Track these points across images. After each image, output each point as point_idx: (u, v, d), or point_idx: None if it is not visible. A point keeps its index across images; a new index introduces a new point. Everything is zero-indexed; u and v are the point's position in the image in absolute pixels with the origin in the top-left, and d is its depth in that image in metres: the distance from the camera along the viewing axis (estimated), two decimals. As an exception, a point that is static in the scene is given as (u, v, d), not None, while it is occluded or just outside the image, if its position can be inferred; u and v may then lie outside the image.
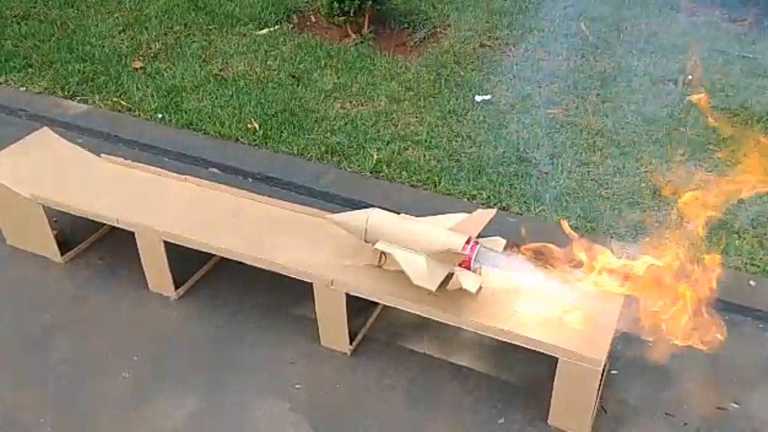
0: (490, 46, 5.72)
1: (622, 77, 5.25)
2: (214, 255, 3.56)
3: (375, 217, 3.07)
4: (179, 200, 3.60)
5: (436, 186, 4.30)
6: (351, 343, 3.31)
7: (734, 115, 4.84)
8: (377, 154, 4.52)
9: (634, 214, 4.02)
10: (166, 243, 3.40)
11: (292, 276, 3.19)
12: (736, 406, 3.07)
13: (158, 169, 3.85)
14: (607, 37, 5.77)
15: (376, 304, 3.35)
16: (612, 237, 3.89)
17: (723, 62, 5.41)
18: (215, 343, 3.39)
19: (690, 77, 5.22)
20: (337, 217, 3.23)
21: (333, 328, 3.27)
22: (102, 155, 4.00)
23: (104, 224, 3.71)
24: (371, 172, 4.43)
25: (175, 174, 3.79)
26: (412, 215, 3.17)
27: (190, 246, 3.36)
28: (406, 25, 6.00)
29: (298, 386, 3.18)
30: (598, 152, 4.51)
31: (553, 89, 5.16)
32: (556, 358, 2.81)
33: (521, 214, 4.08)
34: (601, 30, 5.84)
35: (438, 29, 5.97)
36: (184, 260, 3.55)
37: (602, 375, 2.86)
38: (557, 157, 4.48)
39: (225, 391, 3.17)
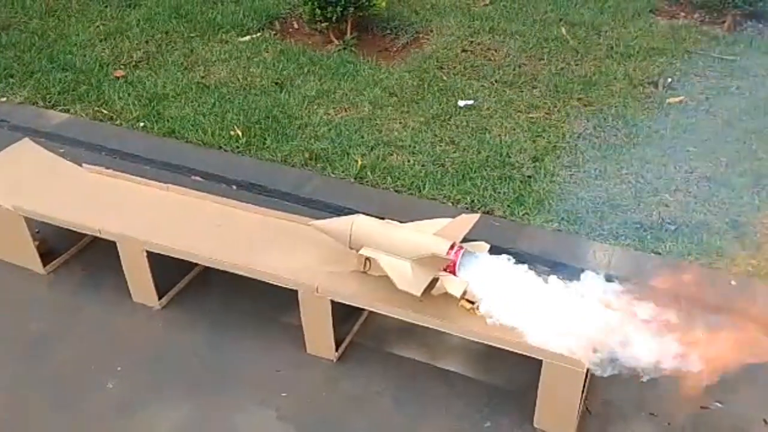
0: (472, 51, 5.75)
1: (602, 81, 5.30)
2: (197, 264, 3.54)
3: (359, 223, 3.08)
4: (162, 209, 3.58)
5: (420, 191, 4.32)
6: (337, 350, 3.31)
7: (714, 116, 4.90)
8: (361, 160, 4.53)
9: (616, 216, 4.05)
10: (149, 253, 3.38)
11: (277, 283, 3.18)
12: (719, 405, 3.10)
13: (140, 178, 3.84)
14: (588, 41, 5.82)
15: (362, 310, 3.35)
16: (594, 239, 3.92)
17: (702, 64, 5.47)
18: (200, 353, 3.37)
19: (670, 80, 5.28)
20: (321, 223, 3.23)
21: (319, 336, 3.26)
22: (84, 165, 3.97)
23: (87, 234, 3.68)
24: (355, 178, 4.43)
25: (157, 183, 3.78)
26: (396, 221, 3.18)
27: (173, 255, 3.35)
28: (388, 31, 6.02)
29: (284, 394, 3.17)
30: (579, 155, 4.55)
31: (534, 93, 5.20)
32: (541, 361, 2.83)
33: (505, 218, 4.10)
34: (582, 34, 5.89)
35: (420, 35, 5.99)
36: (168, 269, 3.53)
37: (586, 376, 2.87)
38: (540, 161, 4.51)
39: (211, 401, 3.15)
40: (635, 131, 4.75)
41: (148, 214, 3.54)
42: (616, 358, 2.71)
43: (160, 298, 3.57)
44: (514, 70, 5.46)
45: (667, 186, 4.28)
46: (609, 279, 2.97)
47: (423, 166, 4.51)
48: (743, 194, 4.20)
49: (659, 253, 3.80)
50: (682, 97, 5.09)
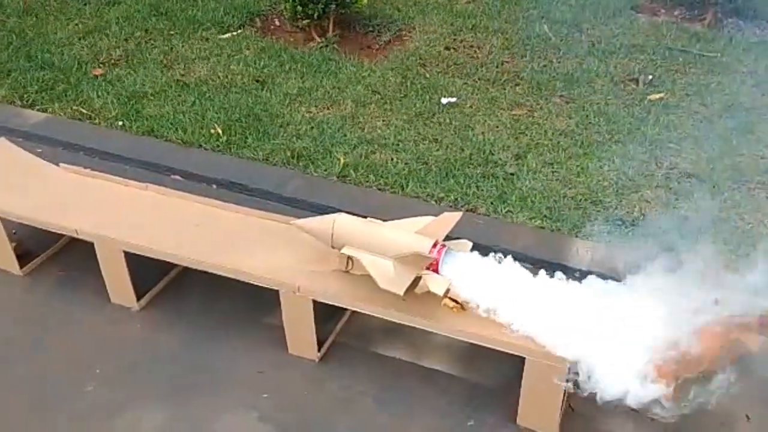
0: (454, 48, 5.74)
1: (584, 78, 5.31)
2: (177, 264, 3.49)
3: (341, 222, 3.05)
4: (140, 209, 3.53)
5: (403, 189, 4.30)
6: (319, 350, 3.28)
7: (694, 113, 4.92)
8: (344, 158, 4.50)
9: (598, 213, 4.06)
10: (127, 253, 3.34)
11: (257, 283, 3.14)
12: (701, 401, 3.09)
13: (118, 177, 3.79)
14: (570, 38, 5.83)
15: (345, 309, 3.33)
16: (576, 236, 3.92)
17: (683, 61, 5.50)
18: (180, 354, 3.32)
19: (651, 77, 5.30)
20: (302, 222, 3.20)
21: (301, 336, 3.23)
22: (61, 165, 3.91)
23: (64, 235, 3.63)
24: (338, 177, 4.40)
25: (135, 182, 3.73)
26: (379, 219, 3.15)
27: (152, 256, 3.30)
28: (371, 29, 5.99)
29: (266, 395, 3.14)
30: (562, 152, 4.55)
31: (517, 91, 5.20)
32: (524, 358, 2.82)
33: (488, 216, 4.09)
34: (564, 31, 5.90)
35: (403, 32, 5.97)
36: (147, 270, 3.48)
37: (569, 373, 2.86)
38: (523, 158, 4.51)
39: (191, 403, 3.11)
40: (617, 128, 4.76)
41: (126, 214, 3.49)
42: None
43: (138, 299, 3.52)
44: (496, 67, 5.46)
45: (649, 182, 4.29)
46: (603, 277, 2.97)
47: (406, 164, 4.49)
48: (724, 190, 4.22)
49: (640, 249, 3.80)
50: (662, 94, 5.12)
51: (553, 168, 4.43)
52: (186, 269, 3.51)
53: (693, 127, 4.76)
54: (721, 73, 5.34)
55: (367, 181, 4.36)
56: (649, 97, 5.08)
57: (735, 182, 4.28)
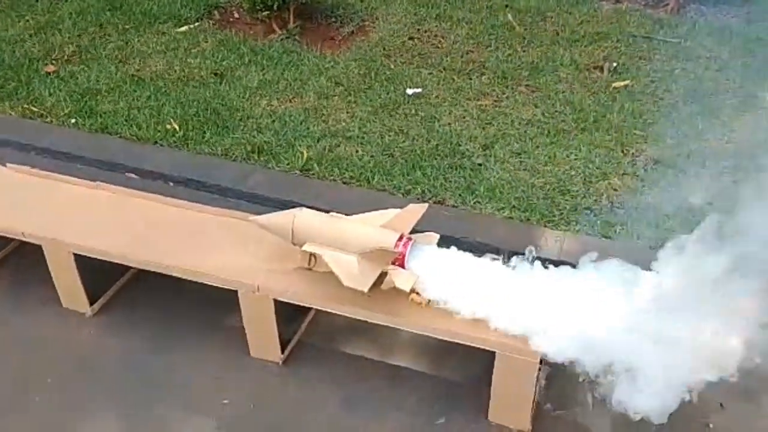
0: (419, 38, 5.65)
1: (549, 67, 5.26)
2: (131, 267, 3.35)
3: (302, 218, 2.93)
4: (91, 209, 3.37)
5: (369, 182, 4.19)
6: (283, 352, 3.16)
7: (659, 99, 4.90)
8: (307, 152, 4.38)
9: (566, 202, 4.01)
10: (78, 256, 3.18)
11: (214, 284, 3.01)
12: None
13: (67, 176, 3.62)
14: (534, 27, 5.78)
15: (309, 309, 3.22)
16: (545, 225, 3.86)
17: (647, 48, 5.48)
18: (135, 361, 3.17)
19: (615, 64, 5.27)
20: (262, 218, 3.07)
21: (262, 337, 3.11)
22: (8, 165, 3.73)
23: (14, 239, 3.46)
24: (301, 171, 4.28)
25: (85, 181, 3.57)
26: (345, 213, 3.04)
27: (104, 258, 3.15)
28: (333, 19, 5.88)
29: (225, 401, 3.01)
30: (529, 142, 4.49)
31: (483, 80, 5.13)
32: (494, 353, 2.74)
33: (456, 207, 4.01)
34: (528, 20, 5.85)
35: (366, 23, 5.86)
36: (100, 273, 3.33)
37: (540, 368, 2.80)
38: (490, 148, 4.44)
39: (147, 412, 2.96)
40: (583, 116, 4.72)
41: (75, 215, 3.32)
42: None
43: (91, 304, 3.36)
44: (462, 57, 5.38)
45: (615, 170, 4.26)
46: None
47: (372, 156, 4.39)
48: (690, 175, 4.20)
49: (609, 237, 3.77)
50: (627, 81, 5.09)
51: (520, 158, 4.36)
52: (141, 271, 3.35)
53: (658, 114, 4.74)
54: (684, 58, 5.34)
55: (332, 175, 4.25)
56: (614, 85, 5.05)
57: (701, 167, 4.26)
